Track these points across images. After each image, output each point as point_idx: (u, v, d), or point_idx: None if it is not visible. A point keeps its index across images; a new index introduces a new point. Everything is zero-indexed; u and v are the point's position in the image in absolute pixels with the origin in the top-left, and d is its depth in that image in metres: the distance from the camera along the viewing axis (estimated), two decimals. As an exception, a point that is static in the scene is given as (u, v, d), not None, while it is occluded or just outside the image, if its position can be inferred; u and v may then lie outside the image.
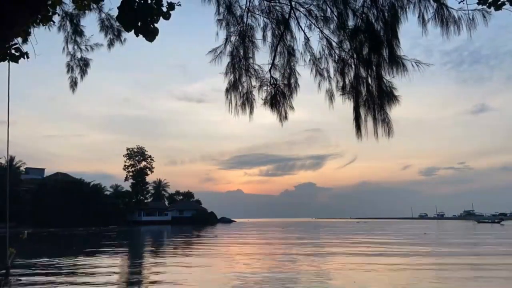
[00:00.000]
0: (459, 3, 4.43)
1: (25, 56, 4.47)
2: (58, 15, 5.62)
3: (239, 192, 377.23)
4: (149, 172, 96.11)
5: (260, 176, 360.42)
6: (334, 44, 5.42)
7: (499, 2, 4.14)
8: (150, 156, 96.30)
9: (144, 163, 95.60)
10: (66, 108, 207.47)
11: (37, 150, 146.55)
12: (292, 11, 5.47)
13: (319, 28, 5.42)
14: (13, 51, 4.34)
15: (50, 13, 4.70)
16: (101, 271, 15.05)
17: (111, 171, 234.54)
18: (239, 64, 5.81)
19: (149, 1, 3.37)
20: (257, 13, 5.68)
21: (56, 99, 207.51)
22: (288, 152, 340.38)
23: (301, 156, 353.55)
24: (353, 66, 5.30)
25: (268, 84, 5.85)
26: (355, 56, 5.23)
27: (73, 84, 6.20)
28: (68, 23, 5.93)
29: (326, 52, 5.52)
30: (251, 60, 5.83)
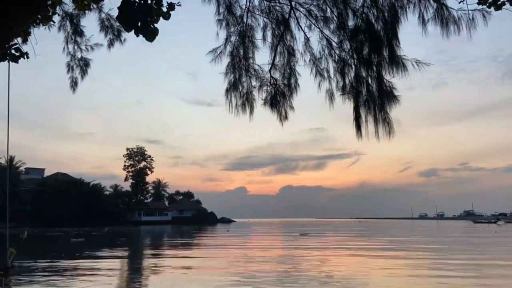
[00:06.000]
0: (459, 3, 4.42)
1: (25, 56, 4.46)
2: (58, 15, 5.62)
3: (239, 192, 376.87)
4: (149, 172, 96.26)
5: (262, 176, 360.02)
6: (334, 44, 5.42)
7: (499, 2, 4.14)
8: (150, 156, 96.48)
9: (144, 163, 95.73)
10: (67, 108, 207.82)
11: (37, 150, 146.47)
12: (292, 11, 5.47)
13: (319, 28, 5.42)
14: (13, 51, 4.34)
15: (50, 13, 4.69)
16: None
17: (112, 171, 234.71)
18: (239, 64, 5.81)
19: (149, 1, 3.37)
20: (257, 13, 5.68)
21: (56, 99, 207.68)
22: (291, 153, 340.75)
23: (303, 157, 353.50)
24: (353, 66, 5.30)
25: (268, 84, 5.85)
26: (355, 56, 5.23)
27: (74, 84, 6.21)
28: (68, 23, 5.93)
29: (326, 52, 5.52)
30: (251, 60, 5.83)
